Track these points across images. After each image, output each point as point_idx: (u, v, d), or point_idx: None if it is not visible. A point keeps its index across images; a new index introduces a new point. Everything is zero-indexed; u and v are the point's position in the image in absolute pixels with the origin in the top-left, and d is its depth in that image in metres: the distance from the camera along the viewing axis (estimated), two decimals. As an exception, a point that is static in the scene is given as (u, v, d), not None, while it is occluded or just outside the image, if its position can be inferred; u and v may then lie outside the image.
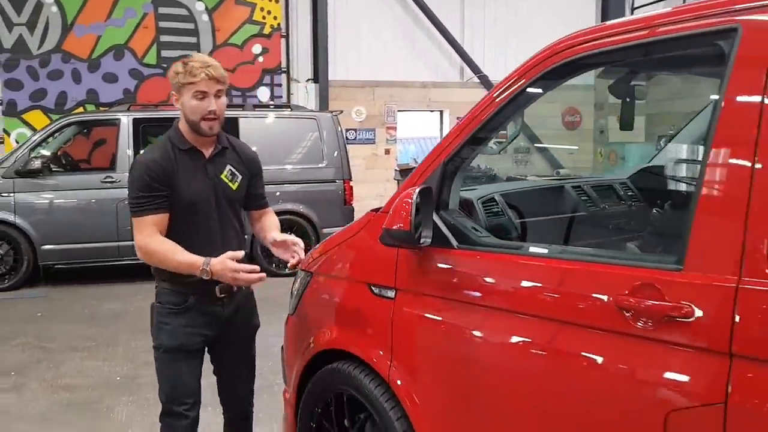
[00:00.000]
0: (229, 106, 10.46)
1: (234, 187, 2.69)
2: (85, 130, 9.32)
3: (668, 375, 1.66)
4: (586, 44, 2.00)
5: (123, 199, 7.85)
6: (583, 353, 1.83)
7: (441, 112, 13.10)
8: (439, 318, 2.25)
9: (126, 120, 8.20)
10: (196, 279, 2.52)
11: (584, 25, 2.15)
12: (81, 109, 10.85)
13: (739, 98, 1.61)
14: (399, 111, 12.55)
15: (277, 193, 8.51)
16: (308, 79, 12.18)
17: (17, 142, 10.07)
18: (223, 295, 2.63)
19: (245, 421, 2.98)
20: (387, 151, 12.30)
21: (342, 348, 2.63)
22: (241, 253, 2.50)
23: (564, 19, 11.44)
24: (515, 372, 2.02)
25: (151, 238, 2.51)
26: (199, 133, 2.56)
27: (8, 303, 7.16)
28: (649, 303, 1.68)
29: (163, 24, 11.34)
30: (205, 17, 11.53)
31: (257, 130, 8.62)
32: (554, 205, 2.97)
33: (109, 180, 8.01)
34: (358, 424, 2.60)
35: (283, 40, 11.97)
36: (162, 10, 11.31)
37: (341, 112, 9.49)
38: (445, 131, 13.15)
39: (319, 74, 12.01)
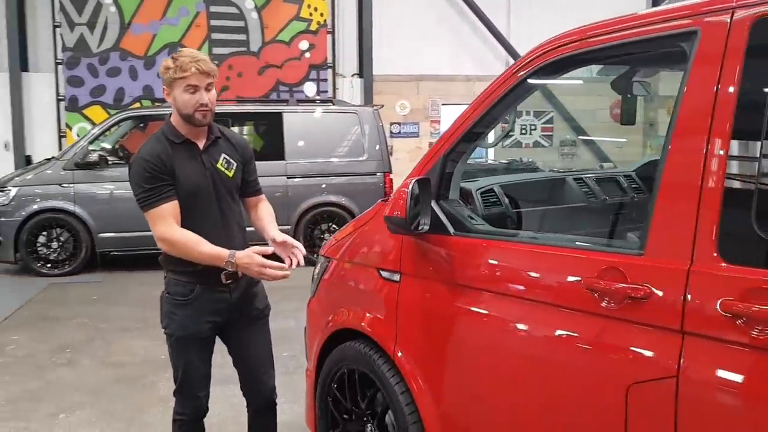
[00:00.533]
0: (273, 101, 10.88)
1: (230, 174, 2.73)
2: (141, 125, 9.75)
3: (629, 351, 1.80)
4: (571, 44, 2.15)
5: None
6: (557, 330, 1.99)
7: (486, 106, 13.14)
8: (436, 300, 2.43)
9: (177, 115, 8.58)
10: (201, 268, 2.59)
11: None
12: (137, 105, 11.36)
13: (696, 93, 1.74)
14: (443, 104, 12.66)
15: (323, 185, 8.79)
16: (353, 74, 12.42)
17: (78, 136, 10.64)
18: (229, 281, 2.66)
19: (270, 413, 2.96)
20: (431, 145, 12.45)
21: (354, 327, 2.84)
22: (270, 249, 2.58)
23: (614, 11, 11.32)
24: (501, 348, 2.18)
25: (171, 229, 2.54)
26: (193, 123, 2.60)
27: (67, 287, 7.65)
28: (613, 285, 1.82)
29: (214, 22, 11.76)
30: (255, 15, 11.90)
31: (301, 124, 8.90)
32: (553, 197, 3.10)
33: (161, 172, 8.40)
34: (369, 398, 2.81)
35: (329, 36, 12.25)
36: (213, 8, 11.73)
37: (382, 106, 9.67)
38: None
39: (363, 69, 12.24)
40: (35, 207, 8.18)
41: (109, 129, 8.86)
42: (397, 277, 2.62)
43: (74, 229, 8.25)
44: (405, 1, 12.49)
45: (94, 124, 10.85)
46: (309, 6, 12.06)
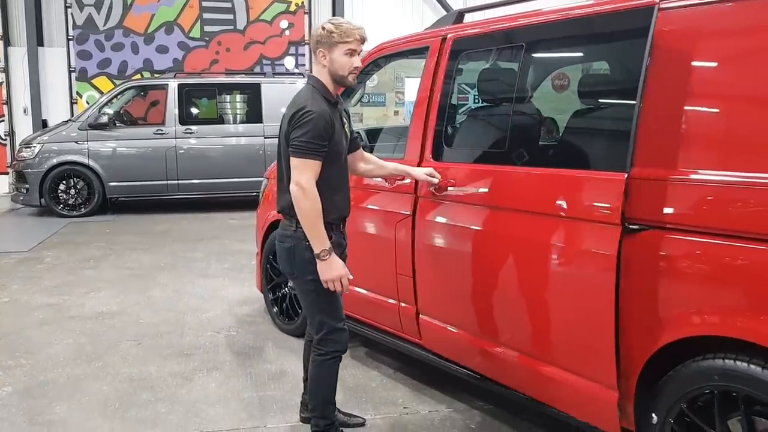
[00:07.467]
0: (253, 73, 12.53)
1: (349, 132, 3.01)
2: (142, 93, 11.39)
3: (398, 206, 3.59)
4: (389, 47, 3.92)
5: (171, 147, 10.07)
6: (373, 203, 3.79)
7: (447, 79, 14.81)
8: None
9: (173, 85, 10.33)
10: (331, 219, 2.81)
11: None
12: (139, 76, 12.97)
13: (426, 75, 3.50)
14: (407, 78, 14.32)
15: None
16: (328, 50, 14.06)
17: (88, 103, 12.33)
18: (343, 228, 3.00)
19: None
20: (396, 113, 14.14)
21: (275, 219, 4.60)
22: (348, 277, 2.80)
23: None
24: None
25: (311, 186, 2.66)
26: (345, 84, 2.84)
27: (85, 224, 9.44)
28: (391, 174, 3.61)
29: (205, 3, 13.37)
30: (241, -3, 13.54)
31: (276, 93, 10.56)
32: (399, 137, 4.88)
33: (160, 132, 10.17)
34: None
35: (306, 16, 13.89)
36: (205, -9, 13.35)
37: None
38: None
39: (337, 45, 13.88)
40: (56, 160, 9.94)
41: (115, 97, 10.57)
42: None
43: (88, 179, 10.01)
44: (374, -15, 14.13)
45: (101, 92, 12.50)
46: (289, -10, 13.70)
